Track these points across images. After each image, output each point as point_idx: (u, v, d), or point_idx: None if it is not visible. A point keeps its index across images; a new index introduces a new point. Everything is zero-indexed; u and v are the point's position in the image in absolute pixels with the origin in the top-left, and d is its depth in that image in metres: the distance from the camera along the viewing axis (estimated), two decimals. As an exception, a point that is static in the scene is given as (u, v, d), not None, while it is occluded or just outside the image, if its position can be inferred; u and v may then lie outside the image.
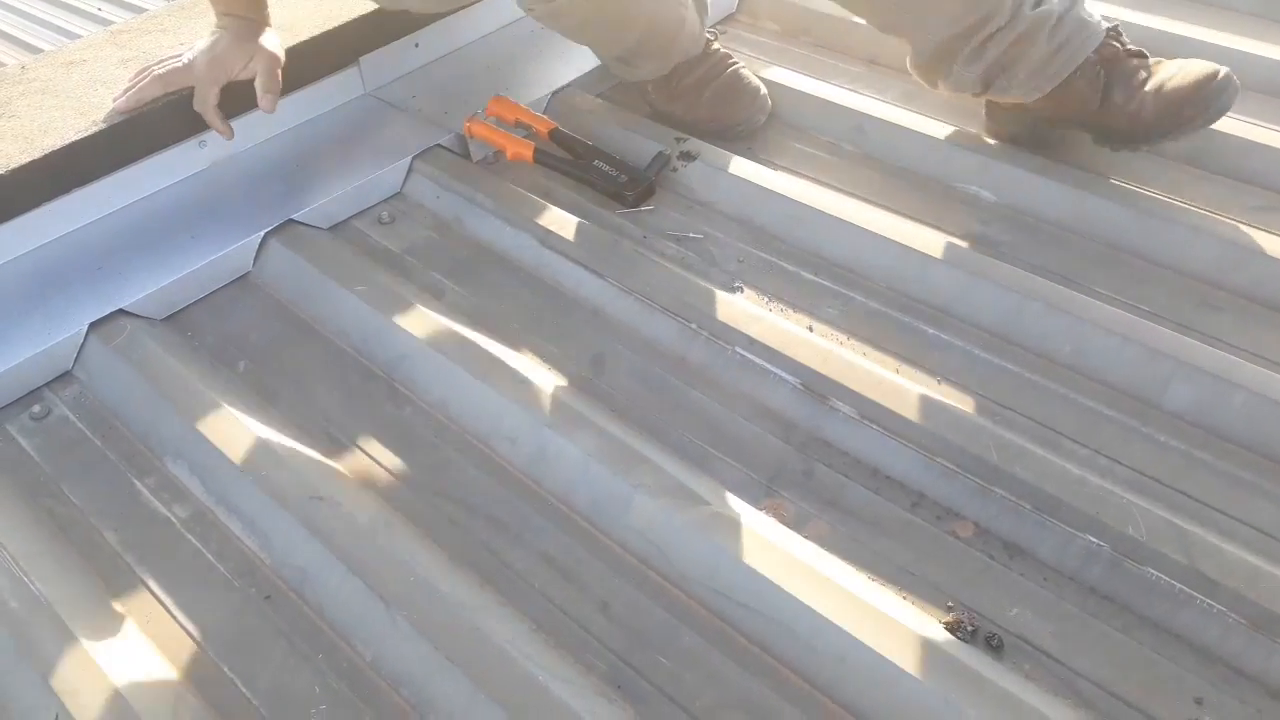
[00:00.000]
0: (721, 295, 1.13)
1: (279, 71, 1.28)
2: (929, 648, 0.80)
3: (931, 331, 1.10)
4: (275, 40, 1.30)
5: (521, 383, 1.03)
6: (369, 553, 0.89)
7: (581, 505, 0.95)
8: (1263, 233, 1.15)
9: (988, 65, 1.21)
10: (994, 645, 0.83)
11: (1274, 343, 1.05)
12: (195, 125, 1.29)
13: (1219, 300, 1.11)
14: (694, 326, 1.10)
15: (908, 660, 0.79)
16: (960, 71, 1.23)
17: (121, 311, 1.15)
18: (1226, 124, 1.23)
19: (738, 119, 1.38)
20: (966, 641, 0.82)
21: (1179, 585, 0.84)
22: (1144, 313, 1.09)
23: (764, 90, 1.41)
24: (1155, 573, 0.85)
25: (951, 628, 0.83)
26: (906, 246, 1.16)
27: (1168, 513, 0.89)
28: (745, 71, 1.41)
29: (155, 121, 1.28)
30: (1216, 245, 1.14)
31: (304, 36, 1.37)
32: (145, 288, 1.17)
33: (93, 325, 1.13)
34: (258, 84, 1.26)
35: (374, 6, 1.42)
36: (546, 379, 1.05)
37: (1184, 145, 1.23)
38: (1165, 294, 1.12)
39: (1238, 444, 0.97)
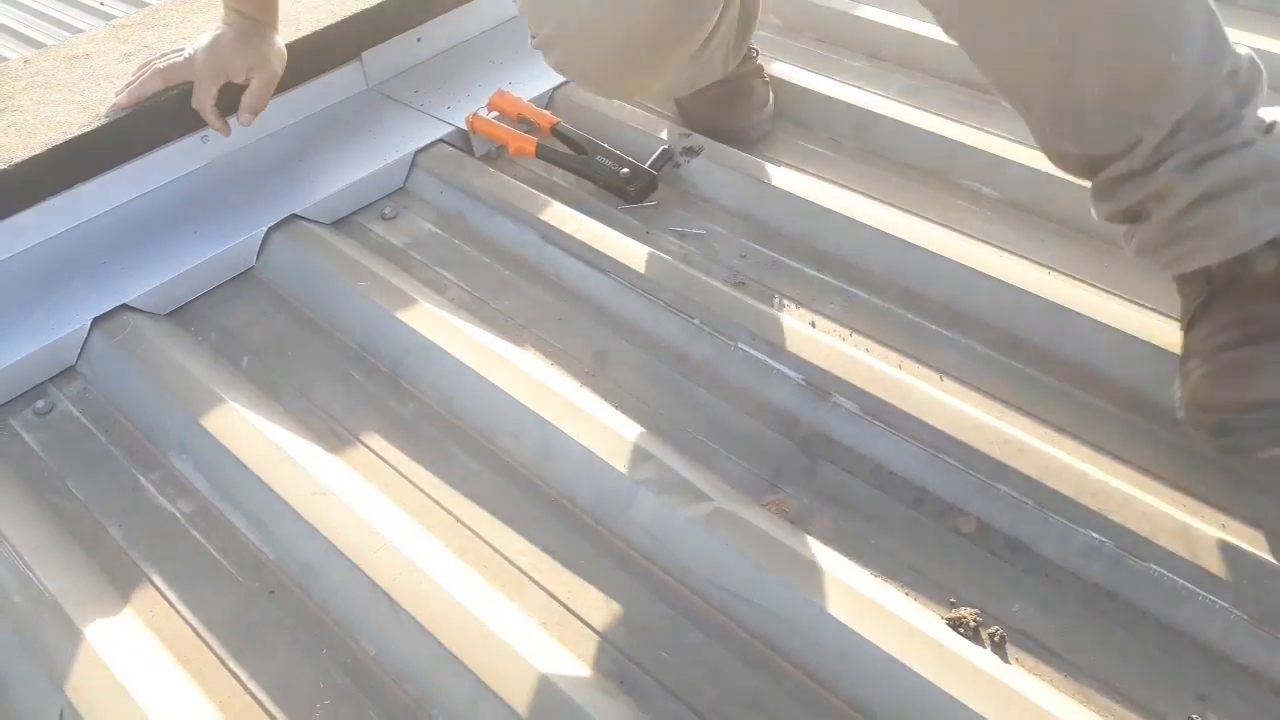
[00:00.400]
0: (724, 291, 1.13)
1: (270, 91, 1.27)
2: (931, 644, 0.80)
3: (934, 328, 1.10)
4: (280, 51, 1.29)
5: (525, 378, 1.03)
6: (373, 548, 0.89)
7: (585, 501, 0.95)
8: (1266, 229, 1.15)
9: (1118, 210, 0.96)
10: (996, 641, 0.83)
11: (1277, 339, 1.05)
12: (198, 120, 1.29)
13: (1222, 296, 1.11)
14: (696, 322, 1.10)
15: (910, 656, 0.79)
16: (1096, 204, 0.99)
17: (125, 307, 1.15)
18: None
19: (733, 124, 1.37)
20: (969, 637, 0.82)
21: (1181, 581, 0.84)
22: (1148, 309, 1.09)
23: (771, 108, 1.40)
24: (1158, 569, 0.85)
25: (954, 624, 0.83)
26: (909, 243, 1.16)
27: (1171, 508, 0.89)
28: (764, 88, 1.40)
29: (158, 116, 1.28)
30: (1220, 241, 1.14)
31: (306, 31, 1.37)
32: (148, 283, 1.17)
33: (96, 320, 1.13)
34: (245, 97, 1.26)
35: (375, 1, 1.42)
36: (550, 374, 1.05)
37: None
38: (1169, 290, 1.12)
39: (1240, 440, 0.97)
